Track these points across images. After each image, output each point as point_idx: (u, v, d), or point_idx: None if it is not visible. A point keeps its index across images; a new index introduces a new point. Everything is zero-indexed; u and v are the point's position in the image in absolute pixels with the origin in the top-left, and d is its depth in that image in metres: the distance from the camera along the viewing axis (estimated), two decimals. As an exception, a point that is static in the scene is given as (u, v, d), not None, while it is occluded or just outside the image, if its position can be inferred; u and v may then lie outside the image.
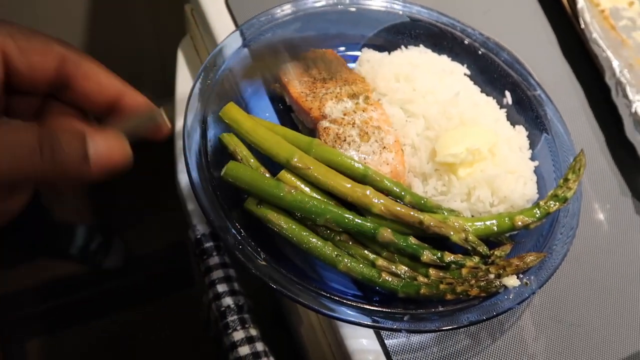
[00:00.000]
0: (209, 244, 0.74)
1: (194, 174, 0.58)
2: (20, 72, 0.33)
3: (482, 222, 0.60)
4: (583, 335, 0.65)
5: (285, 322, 0.80)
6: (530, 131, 0.73)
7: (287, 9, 0.72)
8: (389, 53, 0.75)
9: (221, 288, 0.71)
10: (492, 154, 0.66)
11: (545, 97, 0.75)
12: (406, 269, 0.57)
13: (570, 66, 0.88)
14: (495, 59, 0.77)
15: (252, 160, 0.60)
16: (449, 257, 0.57)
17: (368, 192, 0.58)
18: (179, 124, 0.62)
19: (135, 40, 1.49)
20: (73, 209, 1.73)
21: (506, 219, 0.61)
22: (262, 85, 0.71)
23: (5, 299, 1.56)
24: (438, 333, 0.61)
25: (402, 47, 0.76)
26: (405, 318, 0.55)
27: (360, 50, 0.77)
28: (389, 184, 0.60)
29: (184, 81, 0.86)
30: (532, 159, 0.71)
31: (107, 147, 0.33)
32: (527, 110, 0.75)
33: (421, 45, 0.77)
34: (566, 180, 0.64)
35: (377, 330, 0.60)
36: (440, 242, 0.59)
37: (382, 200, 0.58)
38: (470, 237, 0.58)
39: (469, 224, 0.60)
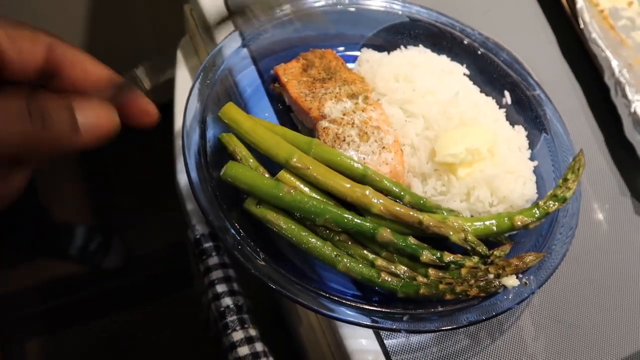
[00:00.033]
0: (208, 244, 0.74)
1: (193, 174, 0.58)
2: (10, 58, 0.34)
3: (482, 222, 0.60)
4: (582, 335, 0.65)
5: (285, 322, 0.80)
6: (530, 131, 0.73)
7: (287, 9, 0.72)
8: (389, 53, 0.75)
9: (220, 288, 0.71)
10: (491, 154, 0.66)
11: (545, 97, 0.75)
12: (405, 269, 0.57)
13: (570, 66, 0.88)
14: (494, 58, 0.77)
15: (251, 160, 0.60)
16: (449, 257, 0.57)
17: (367, 192, 0.58)
18: (178, 124, 0.62)
19: (135, 40, 1.49)
20: (73, 209, 1.73)
21: (505, 219, 0.61)
22: (261, 85, 0.71)
23: (5, 299, 1.56)
24: (437, 333, 0.61)
25: (402, 47, 0.76)
26: (405, 318, 0.55)
27: (359, 50, 0.77)
28: (388, 184, 0.60)
29: (183, 81, 0.86)
30: (532, 159, 0.71)
31: (95, 115, 0.34)
32: (526, 110, 0.75)
33: (420, 45, 0.77)
34: (565, 180, 0.64)
35: (377, 331, 0.60)
36: (439, 242, 0.59)
37: (381, 200, 0.58)
38: (470, 237, 0.58)
39: (468, 224, 0.60)
